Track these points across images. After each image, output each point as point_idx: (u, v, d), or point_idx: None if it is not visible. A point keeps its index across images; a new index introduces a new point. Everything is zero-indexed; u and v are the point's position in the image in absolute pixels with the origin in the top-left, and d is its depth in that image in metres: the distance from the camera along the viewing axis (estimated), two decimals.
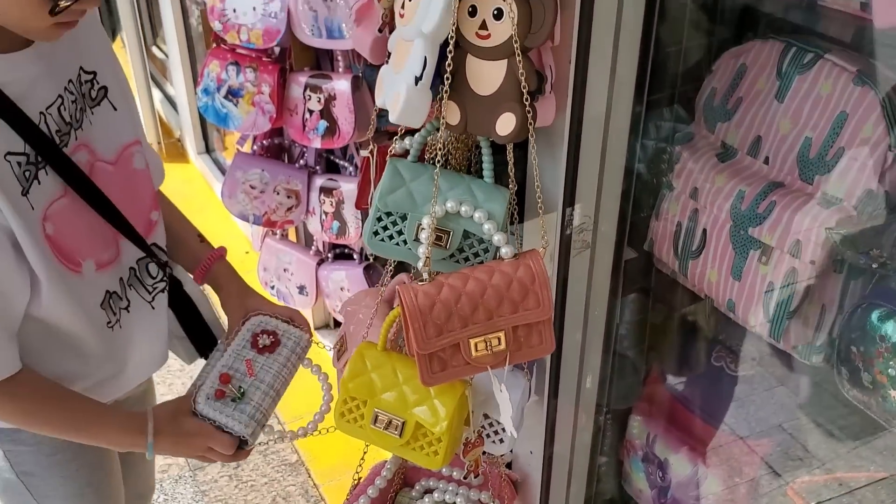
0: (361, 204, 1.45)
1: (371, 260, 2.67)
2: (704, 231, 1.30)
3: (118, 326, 1.28)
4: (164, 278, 1.34)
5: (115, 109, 1.24)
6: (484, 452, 1.49)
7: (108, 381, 1.32)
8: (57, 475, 1.36)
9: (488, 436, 1.44)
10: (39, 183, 1.10)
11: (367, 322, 1.43)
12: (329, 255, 2.78)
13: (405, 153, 1.34)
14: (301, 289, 2.83)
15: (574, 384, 1.49)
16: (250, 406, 1.29)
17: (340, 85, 2.33)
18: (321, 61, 2.50)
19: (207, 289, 1.47)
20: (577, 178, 1.28)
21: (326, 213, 2.57)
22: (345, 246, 2.73)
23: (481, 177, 1.27)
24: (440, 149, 1.19)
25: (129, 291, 1.29)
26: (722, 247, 1.27)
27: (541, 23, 1.08)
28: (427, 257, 1.20)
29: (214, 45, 2.47)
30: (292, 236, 2.97)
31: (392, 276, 1.47)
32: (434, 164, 1.23)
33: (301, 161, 2.65)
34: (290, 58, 2.43)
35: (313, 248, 2.80)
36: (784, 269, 1.20)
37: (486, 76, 1.13)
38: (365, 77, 2.38)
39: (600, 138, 1.27)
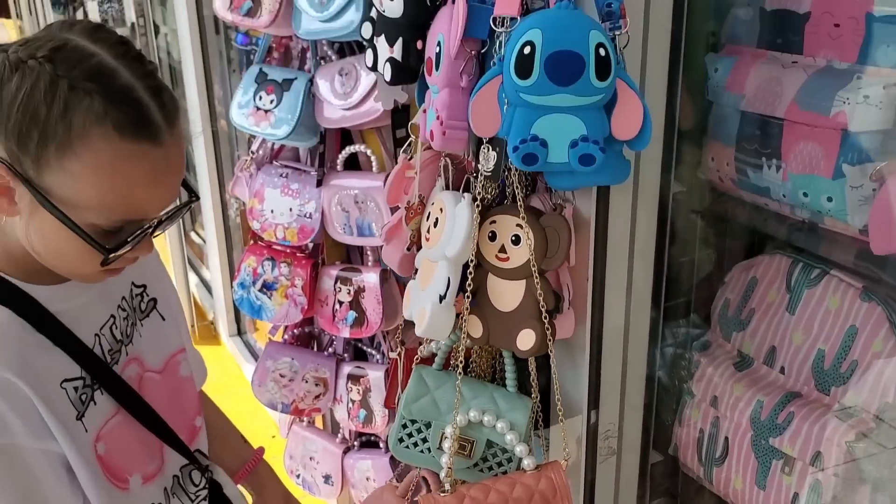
0: (389, 404, 1.49)
1: None
2: (727, 439, 1.31)
3: None
4: (206, 485, 1.30)
5: (164, 319, 1.26)
6: None
7: None
8: None
9: None
10: (95, 404, 1.09)
11: None
12: (355, 443, 2.78)
13: (431, 357, 1.39)
14: (326, 478, 2.81)
15: None
16: None
17: (370, 278, 2.42)
18: (351, 255, 2.61)
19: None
20: (599, 386, 1.31)
21: (353, 401, 2.60)
22: (371, 434, 2.73)
23: (505, 385, 1.31)
24: (461, 360, 1.24)
25: (172, 500, 1.26)
26: (745, 455, 1.27)
27: (556, 248, 1.16)
28: (449, 468, 1.22)
29: (252, 241, 2.60)
30: (319, 423, 2.98)
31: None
32: (458, 371, 1.28)
33: (330, 349, 2.71)
34: (323, 253, 2.55)
35: (339, 435, 2.80)
36: (808, 480, 1.20)
37: (507, 294, 1.20)
38: (392, 270, 2.47)
39: (620, 348, 1.32)
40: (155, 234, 1.02)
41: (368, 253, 2.51)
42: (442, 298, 1.18)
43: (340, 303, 2.50)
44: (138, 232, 0.96)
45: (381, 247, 2.46)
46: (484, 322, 1.22)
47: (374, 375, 2.54)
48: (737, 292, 1.35)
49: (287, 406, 2.70)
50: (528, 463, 1.23)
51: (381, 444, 2.69)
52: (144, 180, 0.92)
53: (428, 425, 1.28)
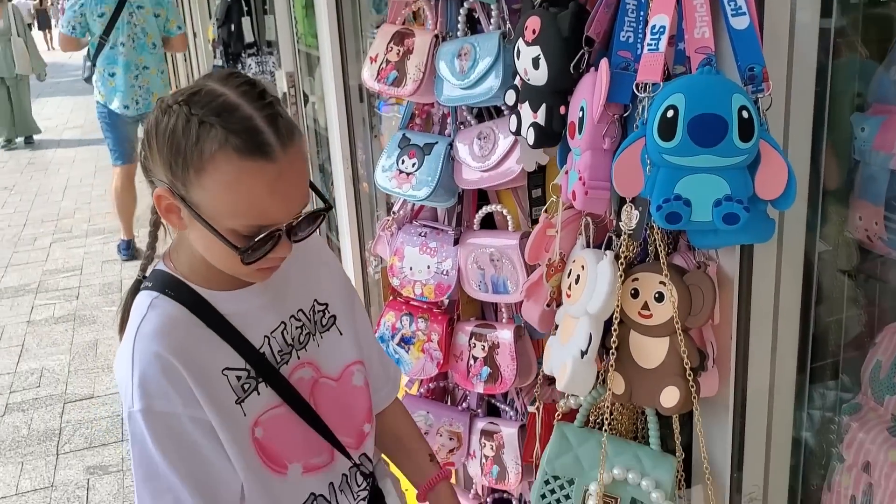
0: (527, 458, 1.51)
1: None
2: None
3: None
4: (367, 487, 1.43)
5: (342, 334, 1.41)
6: None
7: None
8: None
9: None
10: (259, 394, 1.26)
11: None
12: (488, 499, 2.79)
13: (570, 412, 1.42)
14: None
15: None
16: None
17: (504, 335, 2.46)
18: (486, 312, 2.67)
19: None
20: (743, 446, 1.30)
21: (487, 457, 2.62)
22: (504, 491, 2.74)
23: (647, 443, 1.31)
24: (607, 417, 1.26)
25: (339, 496, 1.39)
26: None
27: (700, 306, 1.17)
28: None
29: (392, 297, 2.70)
30: (452, 479, 3.01)
31: None
32: (600, 429, 1.30)
33: (464, 404, 2.75)
34: (458, 309, 2.62)
35: (472, 491, 2.82)
36: None
37: (650, 351, 1.22)
38: (526, 327, 2.51)
39: (765, 408, 1.30)
40: (295, 238, 1.18)
41: (503, 310, 2.56)
42: (583, 354, 1.21)
43: (475, 358, 2.55)
44: (267, 234, 1.13)
45: (516, 304, 2.53)
46: (626, 379, 1.24)
47: (508, 432, 2.56)
48: (889, 353, 1.31)
49: None
50: None
51: (514, 502, 2.70)
52: (264, 190, 1.09)
53: (571, 482, 1.30)
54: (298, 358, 1.36)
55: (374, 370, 1.53)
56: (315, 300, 1.39)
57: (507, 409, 2.66)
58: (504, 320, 2.56)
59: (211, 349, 1.25)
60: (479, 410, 2.67)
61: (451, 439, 2.71)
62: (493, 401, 2.69)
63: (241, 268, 1.18)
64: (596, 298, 1.19)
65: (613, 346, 1.21)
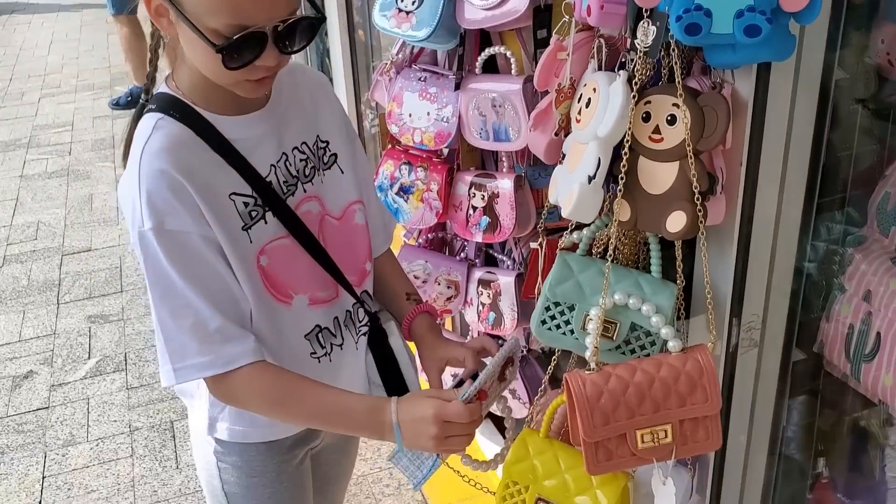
0: (528, 294, 1.52)
1: (525, 352, 2.72)
2: (878, 334, 1.28)
3: (327, 360, 1.41)
4: (367, 322, 1.47)
5: (343, 173, 1.42)
6: None
7: None
8: (253, 497, 1.50)
9: None
10: (266, 223, 1.29)
11: (530, 409, 1.48)
12: None
13: (573, 247, 1.41)
14: (453, 377, 2.90)
15: (738, 486, 1.46)
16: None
17: (504, 184, 2.44)
18: (486, 161, 2.64)
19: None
20: (746, 276, 1.30)
21: (483, 305, 2.66)
22: (499, 337, 2.79)
23: (649, 272, 1.32)
24: (612, 244, 1.25)
25: (343, 331, 1.44)
26: None
27: (713, 128, 1.14)
28: (595, 347, 1.25)
29: (390, 146, 2.66)
30: (448, 325, 3.07)
31: (554, 369, 1.52)
32: (603, 258, 1.29)
33: (462, 254, 2.77)
34: (458, 158, 2.59)
35: (468, 337, 2.88)
36: None
37: (658, 176, 1.20)
38: (527, 176, 2.49)
39: (770, 238, 1.30)
40: (283, 49, 1.17)
41: (503, 159, 2.53)
42: (591, 179, 1.19)
43: (474, 208, 2.54)
44: (249, 34, 1.12)
45: (517, 153, 2.50)
46: (633, 205, 1.23)
47: (505, 280, 2.59)
48: None
49: None
50: (674, 345, 1.24)
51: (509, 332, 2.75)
52: None
53: (571, 308, 1.31)
54: (305, 191, 1.36)
55: (372, 214, 1.54)
56: (317, 136, 1.40)
57: (504, 258, 2.67)
58: (504, 170, 2.54)
59: (217, 172, 1.25)
60: (476, 260, 2.69)
61: (448, 288, 2.75)
62: (490, 251, 2.71)
63: (227, 75, 1.16)
64: (607, 121, 1.16)
65: (623, 170, 1.19)
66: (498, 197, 2.47)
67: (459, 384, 1.34)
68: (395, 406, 1.26)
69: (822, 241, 1.36)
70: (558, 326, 1.32)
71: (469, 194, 2.54)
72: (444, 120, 2.51)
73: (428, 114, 2.52)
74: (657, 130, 1.18)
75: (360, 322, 1.48)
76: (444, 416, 1.22)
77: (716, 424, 1.25)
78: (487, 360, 1.36)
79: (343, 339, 1.44)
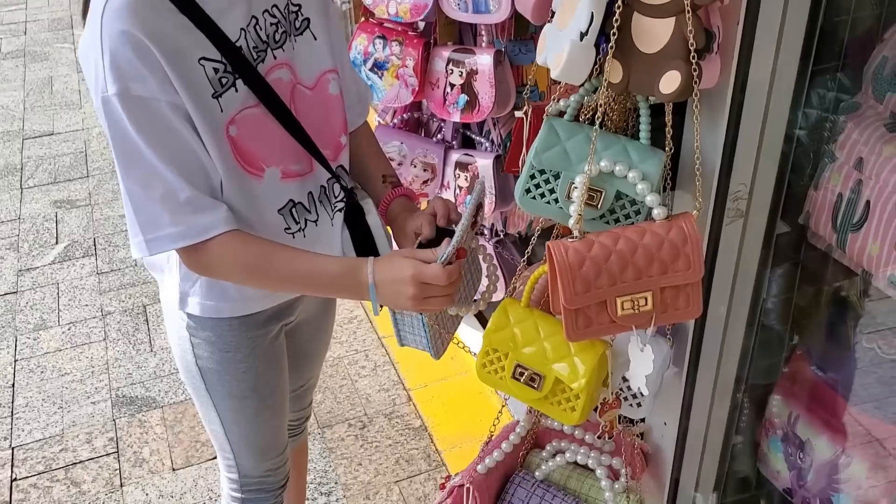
0: (512, 167, 1.48)
1: (502, 236, 2.70)
2: (868, 203, 1.26)
3: (301, 235, 1.38)
4: (343, 198, 1.43)
5: (315, 39, 1.36)
6: (620, 417, 1.50)
7: None
8: (227, 372, 1.49)
9: (626, 399, 1.45)
10: (236, 91, 1.23)
11: (513, 280, 1.46)
12: None
13: (560, 114, 1.36)
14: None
15: (716, 357, 1.47)
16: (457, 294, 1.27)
17: (483, 60, 2.36)
18: (463, 36, 2.54)
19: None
20: (736, 143, 1.26)
21: (461, 188, 2.62)
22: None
23: (637, 139, 1.27)
24: (599, 108, 1.21)
25: (318, 206, 1.40)
26: (887, 219, 1.23)
27: None
28: (579, 215, 1.22)
29: (363, 18, 2.55)
30: (423, 207, 3.03)
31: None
32: (592, 123, 1.25)
33: (438, 135, 2.70)
34: (435, 32, 2.49)
35: None
36: None
37: (653, 33, 1.14)
38: (507, 52, 2.41)
39: (763, 104, 1.25)
40: None
41: (483, 33, 2.44)
42: (583, 35, 1.13)
43: (452, 85, 2.46)
44: None
45: (496, 26, 2.40)
46: (625, 66, 1.17)
47: (483, 163, 2.54)
48: None
49: None
50: (658, 212, 1.21)
51: (487, 233, 2.74)
52: None
53: (556, 176, 1.27)
54: (275, 58, 1.30)
55: (346, 85, 1.48)
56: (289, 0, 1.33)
57: (482, 140, 2.62)
58: (484, 45, 2.45)
59: (185, 36, 1.19)
60: (453, 142, 2.64)
61: (425, 170, 2.69)
62: (468, 132, 2.65)
63: None
64: None
65: (615, 25, 1.13)
66: (477, 74, 2.39)
67: (421, 246, 1.31)
68: (372, 266, 1.23)
69: (814, 109, 1.32)
70: (542, 195, 1.29)
71: (447, 71, 2.46)
72: None
73: None
74: None
75: (335, 198, 1.44)
76: (421, 278, 1.20)
77: (697, 292, 1.23)
78: (462, 213, 1.33)
79: (318, 215, 1.41)
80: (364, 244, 1.45)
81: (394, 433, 2.69)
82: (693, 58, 1.11)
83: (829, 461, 1.43)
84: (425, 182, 2.71)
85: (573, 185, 1.25)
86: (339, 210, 1.45)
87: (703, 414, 1.53)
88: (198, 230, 1.24)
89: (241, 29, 1.25)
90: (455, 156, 2.63)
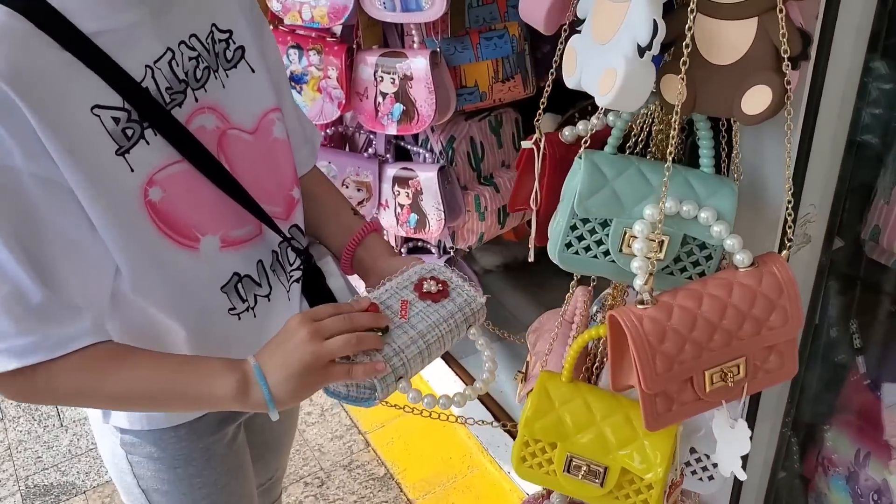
0: (516, 206, 1.21)
1: (452, 253, 2.44)
2: None
3: (250, 315, 1.12)
4: (300, 266, 1.18)
5: (254, 72, 1.10)
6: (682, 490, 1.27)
7: None
8: (179, 491, 1.23)
9: (694, 472, 1.22)
10: (148, 144, 0.97)
11: (547, 348, 1.20)
12: (402, 250, 2.55)
13: (577, 141, 1.11)
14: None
15: (779, 402, 1.26)
16: (389, 347, 1.00)
17: (417, 63, 2.08)
18: (388, 38, 2.25)
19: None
20: (809, 159, 1.04)
21: (402, 206, 2.34)
22: (420, 239, 2.49)
23: (687, 165, 1.03)
24: (654, 134, 0.95)
25: (270, 277, 1.14)
26: None
27: None
28: (650, 274, 0.96)
29: (271, 26, 2.21)
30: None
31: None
32: (642, 154, 1.00)
33: (369, 150, 2.41)
34: (357, 36, 2.18)
35: None
36: None
37: (728, 40, 0.89)
38: (442, 52, 2.13)
39: (836, 111, 1.03)
40: None
41: (413, 33, 2.16)
42: (643, 51, 0.87)
43: (384, 94, 2.17)
44: None
45: (428, 25, 2.12)
46: (689, 83, 0.92)
47: (426, 176, 2.27)
48: None
49: None
50: (742, 258, 0.97)
51: (433, 250, 2.47)
52: None
53: (604, 224, 1.01)
54: (196, 100, 1.04)
55: (291, 124, 1.20)
56: (214, 25, 1.07)
57: (420, 150, 2.33)
58: (415, 46, 2.17)
59: (71, 79, 0.92)
60: (387, 156, 2.34)
61: (359, 190, 2.40)
62: (402, 143, 2.36)
63: None
64: None
65: (688, 33, 0.87)
66: (412, 79, 2.11)
67: None
68: (255, 365, 0.96)
69: (884, 109, 1.11)
70: (588, 248, 1.03)
71: (376, 78, 2.16)
72: None
73: None
74: None
75: (290, 265, 1.18)
76: (310, 315, 0.97)
77: (792, 348, 1.01)
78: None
79: (270, 288, 1.15)
80: None
81: (357, 487, 2.41)
82: (787, 67, 0.87)
83: None
84: (360, 203, 2.41)
85: (631, 235, 0.99)
86: (297, 280, 1.19)
87: (763, 465, 1.32)
88: (53, 343, 0.94)
89: (147, 66, 0.98)
90: (391, 170, 2.34)
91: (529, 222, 2.45)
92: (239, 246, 1.09)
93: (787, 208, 0.96)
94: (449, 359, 2.59)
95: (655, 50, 0.87)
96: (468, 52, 2.18)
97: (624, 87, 0.88)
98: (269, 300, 1.14)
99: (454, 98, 2.16)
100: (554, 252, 1.04)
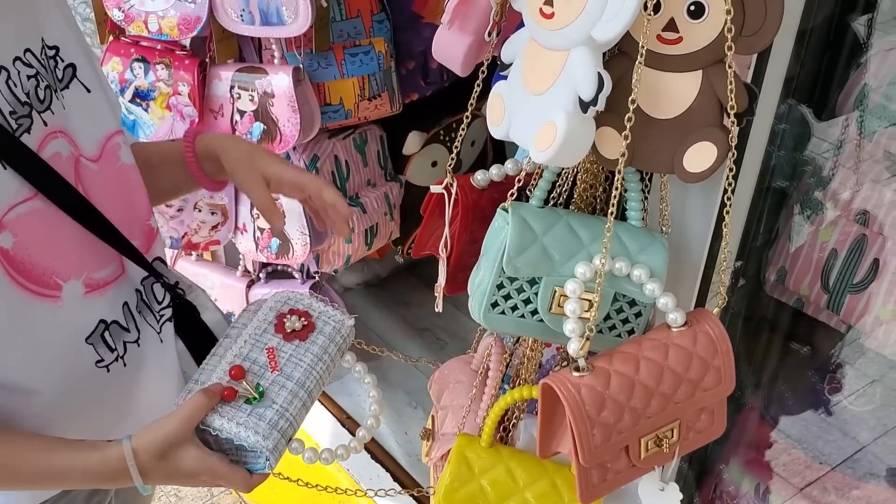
0: (422, 250, 1.12)
1: (317, 278, 2.31)
2: (876, 262, 1.07)
3: (119, 365, 1.01)
4: (170, 304, 1.08)
5: (89, 91, 0.99)
6: None
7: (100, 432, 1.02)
8: None
9: None
10: None
11: (465, 408, 1.11)
12: (260, 274, 2.38)
13: (491, 187, 1.03)
14: (230, 316, 2.41)
15: None
16: (271, 410, 0.94)
17: (279, 80, 1.94)
18: (244, 52, 2.08)
19: None
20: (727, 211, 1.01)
21: (262, 229, 2.18)
22: (280, 264, 2.34)
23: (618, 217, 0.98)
24: (589, 182, 0.89)
25: (138, 320, 1.04)
26: None
27: (761, 20, 0.79)
28: (586, 338, 0.90)
29: (111, 37, 2.00)
30: (208, 255, 2.53)
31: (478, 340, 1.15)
32: (565, 205, 0.93)
33: None
34: (210, 49, 2.00)
35: (240, 268, 2.39)
36: None
37: (670, 93, 0.84)
38: (305, 68, 2.00)
39: (759, 159, 1.01)
40: None
41: (272, 47, 2.00)
42: (587, 106, 0.79)
43: (241, 113, 2.01)
44: None
45: (289, 40, 1.99)
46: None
47: (288, 203, 2.12)
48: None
49: (177, 241, 2.25)
50: (676, 318, 0.92)
51: (296, 275, 2.33)
52: None
53: (532, 282, 0.94)
54: (45, 124, 0.92)
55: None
56: (42, 39, 0.94)
57: None
58: (276, 61, 2.02)
59: None
60: None
61: (213, 213, 2.21)
62: None
63: None
64: (619, 18, 0.76)
65: (635, 88, 0.81)
66: (273, 97, 1.96)
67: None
68: (135, 464, 0.91)
69: (793, 153, 1.11)
70: (514, 308, 0.95)
71: (232, 95, 1.99)
72: (189, 0, 1.91)
73: None
74: (672, 27, 0.81)
75: (159, 303, 1.07)
76: (218, 481, 0.95)
77: (722, 407, 0.98)
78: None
79: (139, 332, 1.04)
80: (205, 352, 1.06)
81: None
82: (732, 123, 0.82)
83: None
84: (214, 227, 2.23)
85: (562, 294, 0.92)
86: (168, 319, 1.09)
87: None
88: None
89: None
90: None
91: (395, 241, 2.36)
92: (103, 289, 0.99)
93: (723, 264, 0.93)
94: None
95: (601, 106, 0.80)
96: (332, 68, 2.06)
97: (565, 144, 0.81)
98: (138, 345, 1.03)
99: (319, 116, 2.03)
100: (479, 313, 0.96)
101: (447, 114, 2.25)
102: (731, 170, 0.85)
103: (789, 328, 1.27)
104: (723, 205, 0.97)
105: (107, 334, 0.99)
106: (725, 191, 0.92)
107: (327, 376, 1.00)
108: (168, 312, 1.08)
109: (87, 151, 0.98)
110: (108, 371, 1.00)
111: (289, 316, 1.00)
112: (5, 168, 0.85)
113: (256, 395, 0.94)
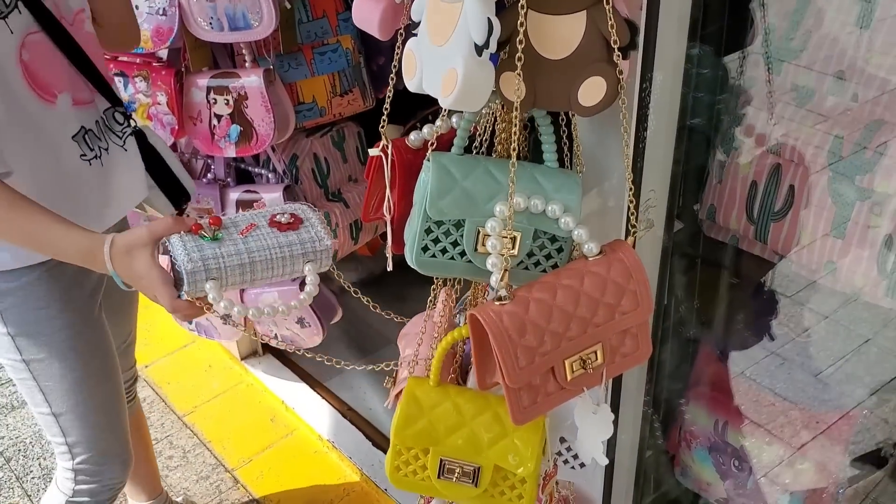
0: (368, 216, 1.19)
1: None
2: (791, 188, 1.13)
3: (98, 163, 1.36)
4: (130, 124, 1.43)
5: None
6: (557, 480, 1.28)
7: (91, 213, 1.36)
8: (42, 334, 1.37)
9: (566, 461, 1.23)
10: (20, 13, 1.20)
11: (413, 352, 1.18)
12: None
13: (424, 146, 1.10)
14: (225, 317, 2.49)
15: (638, 384, 1.30)
16: (211, 251, 1.10)
17: (251, 81, 2.03)
18: (218, 59, 2.18)
19: None
20: (645, 146, 1.08)
21: (220, 117, 2.25)
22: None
23: (533, 160, 1.05)
24: (508, 131, 0.96)
25: (106, 134, 1.39)
26: (818, 203, 1.11)
27: None
28: (505, 270, 0.97)
29: None
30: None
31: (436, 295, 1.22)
32: (488, 152, 1.00)
33: (208, 175, 2.32)
34: (185, 59, 2.10)
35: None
36: None
37: (559, 34, 0.91)
38: (276, 69, 2.09)
39: (668, 97, 1.08)
40: None
41: (244, 52, 2.10)
42: (481, 49, 0.87)
43: (218, 117, 2.10)
44: None
45: (259, 43, 2.07)
46: (527, 79, 0.93)
47: (270, 197, 2.20)
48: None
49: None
50: (590, 247, 0.99)
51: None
52: None
53: (458, 225, 1.01)
54: None
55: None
56: None
57: (262, 171, 2.27)
58: (248, 65, 2.11)
59: None
60: (228, 179, 2.27)
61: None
62: (243, 166, 2.29)
63: None
64: None
65: (521, 30, 0.88)
66: (247, 99, 2.05)
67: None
68: (109, 250, 1.12)
69: (706, 93, 1.17)
70: (444, 251, 1.02)
71: (208, 101, 2.08)
72: (160, 12, 2.01)
73: (137, 7, 1.99)
74: None
75: (120, 125, 1.42)
76: (154, 292, 1.12)
77: (645, 331, 1.04)
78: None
79: (108, 143, 1.40)
80: (156, 166, 1.47)
81: None
82: (617, 56, 0.89)
83: (774, 462, 1.32)
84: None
85: (485, 234, 0.99)
86: (131, 134, 1.44)
87: (630, 446, 1.36)
88: None
89: None
90: (234, 194, 2.27)
91: (383, 235, 2.43)
92: (83, 105, 1.33)
93: (629, 195, 0.99)
94: (314, 383, 2.53)
95: (492, 48, 0.87)
96: (303, 67, 2.15)
97: (465, 86, 0.88)
98: (107, 152, 1.38)
99: (293, 115, 2.11)
100: (411, 257, 1.03)
101: (423, 107, 2.32)
102: (622, 102, 0.92)
103: (727, 264, 1.33)
104: (638, 141, 1.04)
105: (87, 137, 1.33)
106: (637, 128, 1.00)
107: (279, 265, 1.13)
108: (129, 131, 1.42)
109: (66, 17, 1.30)
110: (90, 165, 1.33)
111: (287, 214, 1.16)
112: (20, 13, 1.20)
113: (211, 237, 1.11)
